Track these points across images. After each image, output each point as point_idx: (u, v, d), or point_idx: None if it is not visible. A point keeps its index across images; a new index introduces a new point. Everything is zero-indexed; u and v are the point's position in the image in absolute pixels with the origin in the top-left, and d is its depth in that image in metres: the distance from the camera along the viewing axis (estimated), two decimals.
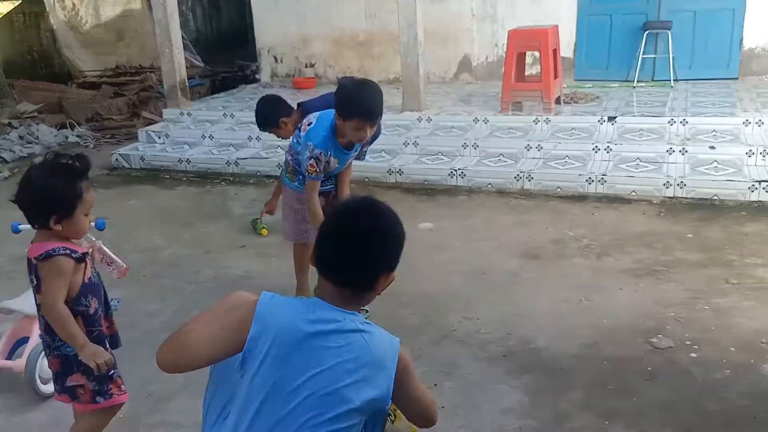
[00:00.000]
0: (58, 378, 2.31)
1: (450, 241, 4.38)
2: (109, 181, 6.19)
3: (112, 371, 2.29)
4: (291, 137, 3.58)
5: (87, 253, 2.28)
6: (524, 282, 3.77)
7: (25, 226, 3.17)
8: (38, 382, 2.88)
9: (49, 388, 2.88)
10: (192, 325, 1.71)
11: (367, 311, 2.93)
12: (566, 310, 3.43)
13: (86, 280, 2.24)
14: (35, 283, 2.21)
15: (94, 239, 2.48)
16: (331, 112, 3.17)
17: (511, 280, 3.80)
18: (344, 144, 3.22)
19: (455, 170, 5.43)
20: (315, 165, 3.18)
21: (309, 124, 3.24)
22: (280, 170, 3.83)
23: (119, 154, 6.56)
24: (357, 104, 3.02)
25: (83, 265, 2.23)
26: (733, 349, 3.03)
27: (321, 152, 3.17)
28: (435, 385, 2.80)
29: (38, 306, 2.25)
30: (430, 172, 5.53)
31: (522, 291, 3.67)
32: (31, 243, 2.22)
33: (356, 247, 1.69)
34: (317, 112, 3.30)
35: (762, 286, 3.58)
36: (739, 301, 3.45)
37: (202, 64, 10.87)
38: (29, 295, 3.01)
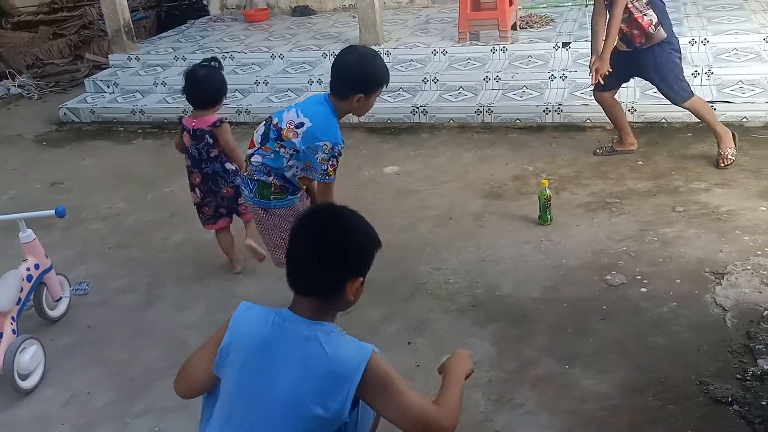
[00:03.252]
0: (232, 201, 3.46)
1: (415, 184, 4.47)
2: (59, 138, 5.93)
3: None
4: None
5: None
6: (488, 224, 3.92)
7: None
8: (17, 378, 2.79)
9: (29, 383, 2.84)
10: (196, 350, 1.86)
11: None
12: (528, 252, 3.60)
13: None
14: (211, 142, 3.36)
15: None
16: (313, 102, 2.82)
17: (475, 223, 3.94)
18: None
19: (417, 107, 5.46)
20: (335, 164, 2.76)
21: (301, 125, 2.74)
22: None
23: (67, 108, 6.30)
24: (384, 69, 2.77)
25: None
26: (679, 281, 3.20)
27: (341, 147, 2.77)
28: (409, 343, 2.96)
29: (212, 158, 3.40)
30: (393, 110, 5.53)
31: (486, 234, 3.81)
32: (194, 119, 3.39)
33: (313, 256, 1.72)
34: (299, 109, 2.78)
35: (705, 212, 3.78)
36: (685, 229, 3.64)
37: None
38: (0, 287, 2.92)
